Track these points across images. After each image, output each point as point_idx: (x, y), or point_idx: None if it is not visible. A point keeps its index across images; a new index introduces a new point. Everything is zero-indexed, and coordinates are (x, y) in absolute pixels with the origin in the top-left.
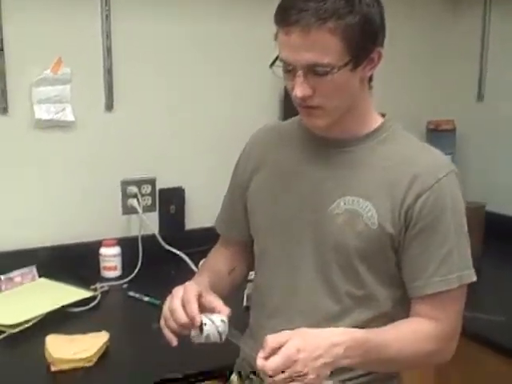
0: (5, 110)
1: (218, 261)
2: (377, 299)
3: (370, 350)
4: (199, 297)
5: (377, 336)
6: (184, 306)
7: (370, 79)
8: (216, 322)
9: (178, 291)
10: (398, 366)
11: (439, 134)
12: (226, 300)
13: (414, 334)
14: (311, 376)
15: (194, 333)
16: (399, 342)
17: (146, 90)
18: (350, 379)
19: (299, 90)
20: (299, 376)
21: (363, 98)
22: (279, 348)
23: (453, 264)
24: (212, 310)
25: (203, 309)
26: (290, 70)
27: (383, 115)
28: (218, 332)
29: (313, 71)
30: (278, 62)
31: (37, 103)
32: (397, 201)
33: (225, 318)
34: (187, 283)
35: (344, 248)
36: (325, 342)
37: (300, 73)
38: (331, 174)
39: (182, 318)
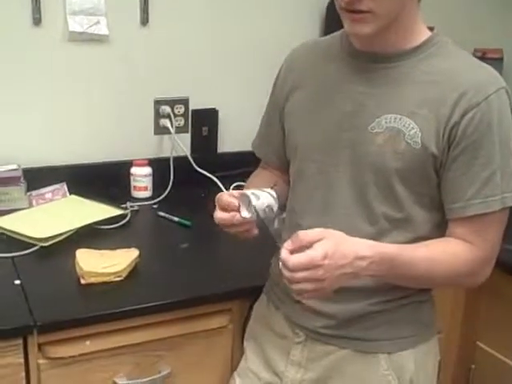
0: (38, 21)
1: (259, 181)
2: (415, 222)
3: (396, 267)
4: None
5: (406, 253)
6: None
7: None
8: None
9: None
10: (426, 283)
11: (486, 63)
12: None
13: (446, 254)
14: (329, 283)
15: (243, 209)
16: (428, 261)
17: (182, 5)
18: (378, 303)
19: None
20: (317, 280)
21: (411, 9)
22: (307, 247)
23: (496, 186)
24: None
25: None
26: None
27: (431, 29)
28: (271, 195)
29: None
30: None
31: (70, 15)
32: (442, 118)
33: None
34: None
35: (383, 169)
36: (352, 253)
37: None
38: (373, 91)
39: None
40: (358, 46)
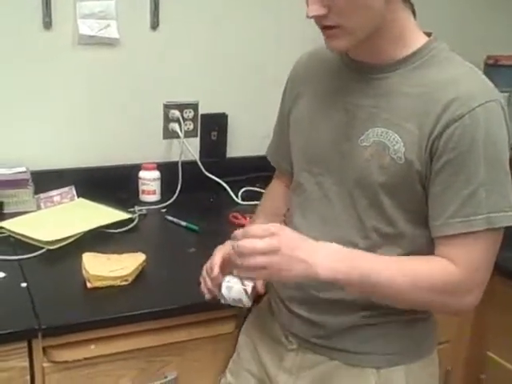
0: (48, 25)
1: (275, 200)
2: (407, 237)
3: (357, 267)
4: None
5: (370, 256)
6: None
7: None
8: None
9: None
10: (396, 297)
11: (498, 70)
12: None
13: (418, 267)
14: (281, 260)
15: (221, 292)
16: (394, 270)
17: (192, 9)
18: (369, 316)
19: (310, 9)
20: (271, 250)
21: (396, 18)
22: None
23: (478, 204)
24: None
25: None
26: None
27: (429, 34)
28: (244, 288)
29: None
30: None
31: (81, 18)
32: (425, 132)
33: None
34: (220, 246)
35: (368, 184)
36: (308, 240)
37: None
38: (364, 102)
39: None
40: (351, 55)
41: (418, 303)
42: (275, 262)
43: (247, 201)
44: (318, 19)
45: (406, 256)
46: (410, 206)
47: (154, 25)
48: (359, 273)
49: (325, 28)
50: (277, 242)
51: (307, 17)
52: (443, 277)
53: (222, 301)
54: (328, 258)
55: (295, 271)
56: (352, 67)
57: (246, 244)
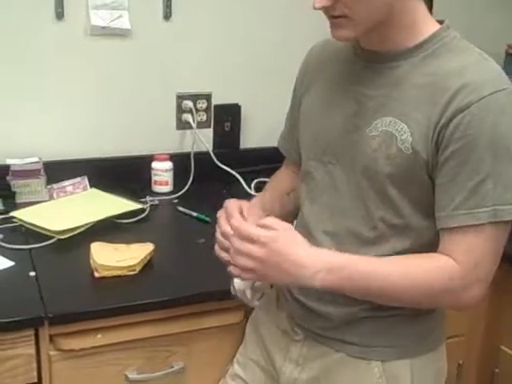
0: (61, 15)
1: (281, 181)
2: (415, 228)
3: (350, 277)
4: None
5: (364, 263)
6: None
7: None
8: None
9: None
10: (395, 298)
11: None
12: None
13: (417, 268)
14: (267, 268)
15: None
16: (391, 273)
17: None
18: (374, 309)
19: (317, 0)
20: (256, 259)
21: (406, 6)
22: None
23: (484, 196)
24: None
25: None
26: None
27: (442, 22)
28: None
29: None
30: None
31: (93, 9)
32: (432, 121)
33: None
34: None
35: (375, 174)
36: (296, 255)
37: None
38: (374, 92)
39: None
40: (362, 44)
41: (417, 303)
42: (260, 270)
43: (260, 192)
44: (325, 10)
45: (405, 254)
46: (417, 197)
47: (167, 15)
48: (352, 284)
49: (330, 18)
50: (263, 254)
51: (313, 8)
52: (443, 273)
53: (232, 291)
54: (319, 274)
55: (283, 281)
56: (363, 57)
57: (236, 244)
